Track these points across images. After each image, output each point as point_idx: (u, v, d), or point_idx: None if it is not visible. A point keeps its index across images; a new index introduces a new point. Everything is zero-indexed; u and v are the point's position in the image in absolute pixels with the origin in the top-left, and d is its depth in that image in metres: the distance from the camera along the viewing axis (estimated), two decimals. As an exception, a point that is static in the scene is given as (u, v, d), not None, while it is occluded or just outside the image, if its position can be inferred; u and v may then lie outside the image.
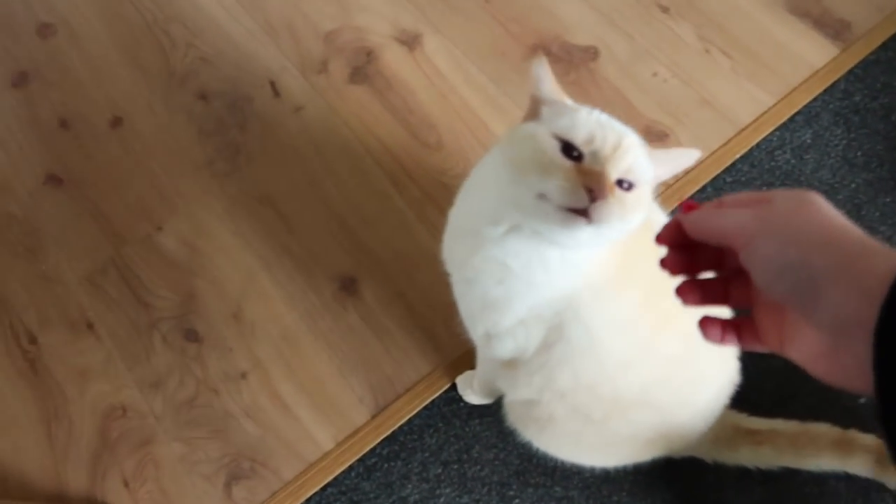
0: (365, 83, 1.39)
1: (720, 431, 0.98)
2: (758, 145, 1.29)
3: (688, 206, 0.46)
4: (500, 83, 1.37)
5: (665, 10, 1.44)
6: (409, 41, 1.44)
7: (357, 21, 1.47)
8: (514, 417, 0.96)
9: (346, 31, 1.46)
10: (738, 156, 1.28)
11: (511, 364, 0.85)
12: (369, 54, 1.42)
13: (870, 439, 0.97)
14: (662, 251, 0.49)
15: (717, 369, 0.86)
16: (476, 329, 0.81)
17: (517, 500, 1.03)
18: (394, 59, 1.42)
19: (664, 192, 1.25)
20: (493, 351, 0.82)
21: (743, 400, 1.00)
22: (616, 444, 0.93)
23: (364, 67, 1.41)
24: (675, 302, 0.49)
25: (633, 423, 0.86)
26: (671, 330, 0.76)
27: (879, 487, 0.99)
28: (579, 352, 0.77)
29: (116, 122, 1.38)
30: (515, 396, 0.93)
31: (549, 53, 1.39)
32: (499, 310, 0.74)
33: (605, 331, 0.75)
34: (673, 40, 1.40)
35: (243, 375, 1.13)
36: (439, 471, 1.05)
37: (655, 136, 1.31)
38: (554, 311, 0.73)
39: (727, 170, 1.27)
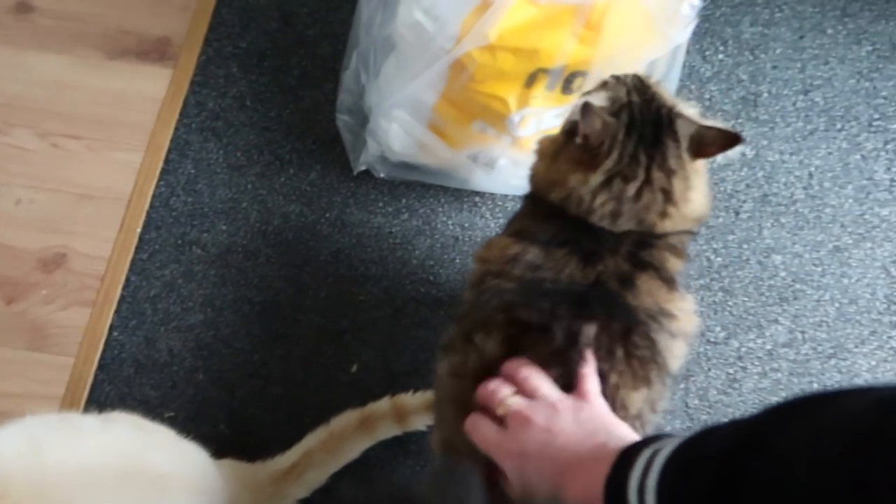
0: None
1: (259, 493, 0.95)
2: (152, 206, 1.23)
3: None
4: None
5: (-10, 128, 1.29)
6: None
7: None
8: None
9: None
10: (139, 229, 1.21)
11: None
12: None
13: (383, 404, 1.03)
14: None
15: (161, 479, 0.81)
16: None
17: None
18: None
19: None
20: None
21: (261, 447, 0.99)
22: None
23: None
24: None
25: None
26: None
27: (405, 439, 1.06)
28: None
29: None
30: None
31: None
32: None
33: None
34: (16, 155, 1.27)
35: None
36: None
37: (54, 263, 1.19)
38: None
39: (138, 249, 1.20)
